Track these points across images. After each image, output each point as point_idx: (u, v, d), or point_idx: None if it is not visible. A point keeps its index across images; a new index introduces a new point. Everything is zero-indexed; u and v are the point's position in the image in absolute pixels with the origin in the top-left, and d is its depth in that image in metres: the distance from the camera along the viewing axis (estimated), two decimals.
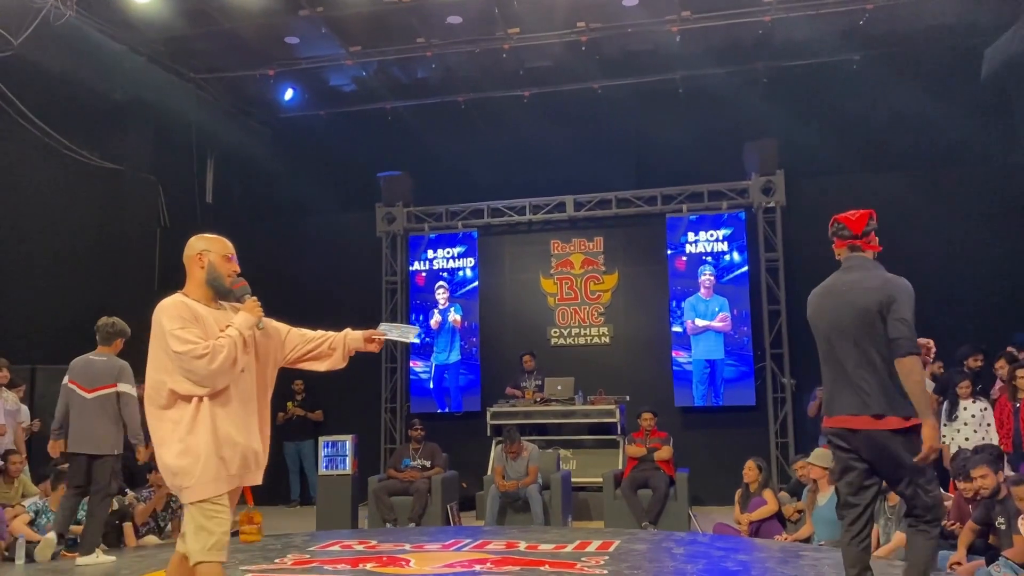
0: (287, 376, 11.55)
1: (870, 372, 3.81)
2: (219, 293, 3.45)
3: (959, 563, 5.31)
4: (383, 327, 3.88)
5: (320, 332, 3.69)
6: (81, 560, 6.09)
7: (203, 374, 3.15)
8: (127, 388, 6.35)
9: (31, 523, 6.56)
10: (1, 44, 9.16)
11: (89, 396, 6.26)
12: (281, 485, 11.33)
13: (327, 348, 3.67)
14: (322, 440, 9.18)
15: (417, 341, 3.37)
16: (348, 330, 3.70)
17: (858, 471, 3.90)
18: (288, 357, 3.61)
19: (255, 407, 3.36)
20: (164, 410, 3.20)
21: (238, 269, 3.52)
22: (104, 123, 11.30)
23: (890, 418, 3.76)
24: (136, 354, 9.35)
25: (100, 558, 6.17)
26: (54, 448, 6.59)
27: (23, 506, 7.00)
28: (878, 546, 5.86)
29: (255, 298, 3.46)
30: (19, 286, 10.06)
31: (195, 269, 3.48)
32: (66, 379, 6.41)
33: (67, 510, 6.38)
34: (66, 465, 7.34)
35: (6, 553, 6.34)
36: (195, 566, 3.10)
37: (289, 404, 11.24)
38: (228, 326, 3.30)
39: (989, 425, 7.39)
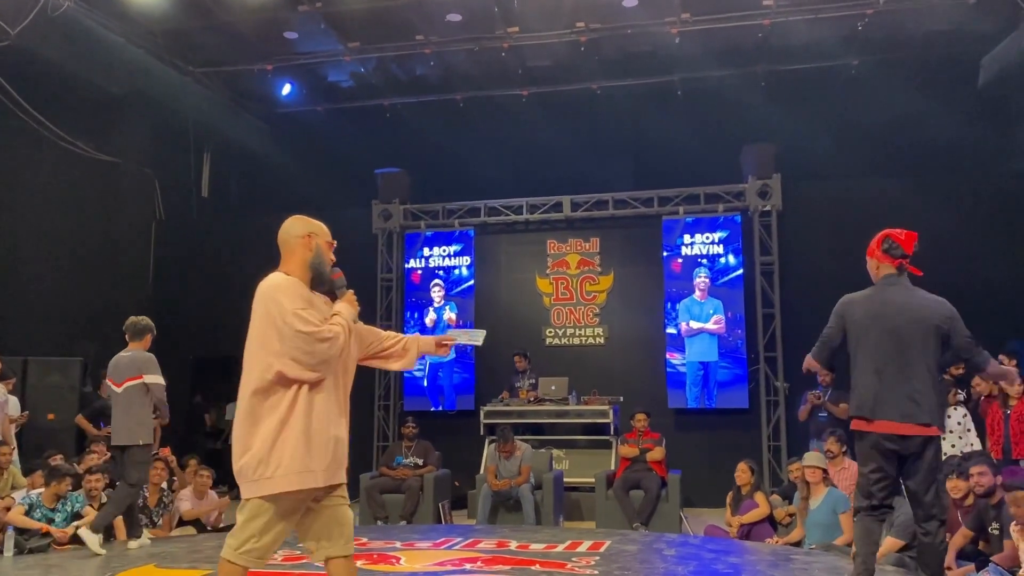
0: None
1: (922, 383, 4.04)
2: (318, 280, 3.28)
3: (949, 568, 5.31)
4: (452, 332, 3.84)
5: (391, 332, 3.59)
6: (83, 533, 6.23)
7: (322, 358, 3.03)
8: (153, 378, 6.51)
9: (25, 515, 6.53)
10: None
11: (119, 390, 6.46)
12: None
13: (400, 348, 3.51)
14: None
15: (481, 343, 3.48)
16: (418, 334, 3.62)
17: (892, 474, 4.13)
18: (363, 353, 3.44)
19: (344, 401, 3.23)
20: (263, 394, 3.03)
21: (334, 259, 3.39)
22: (101, 115, 11.27)
23: (934, 427, 4.05)
24: (123, 342, 9.30)
25: (96, 547, 6.17)
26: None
27: (12, 498, 6.98)
28: None
29: (352, 291, 3.34)
30: (13, 278, 10.03)
31: (301, 250, 3.31)
32: (107, 379, 6.70)
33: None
34: (57, 458, 7.34)
35: None
36: (222, 560, 2.98)
37: None
38: (335, 314, 3.18)
39: (969, 431, 7.47)
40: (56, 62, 9.87)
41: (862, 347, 4.18)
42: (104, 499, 6.93)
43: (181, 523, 7.54)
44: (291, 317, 3.03)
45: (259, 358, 3.07)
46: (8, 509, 6.73)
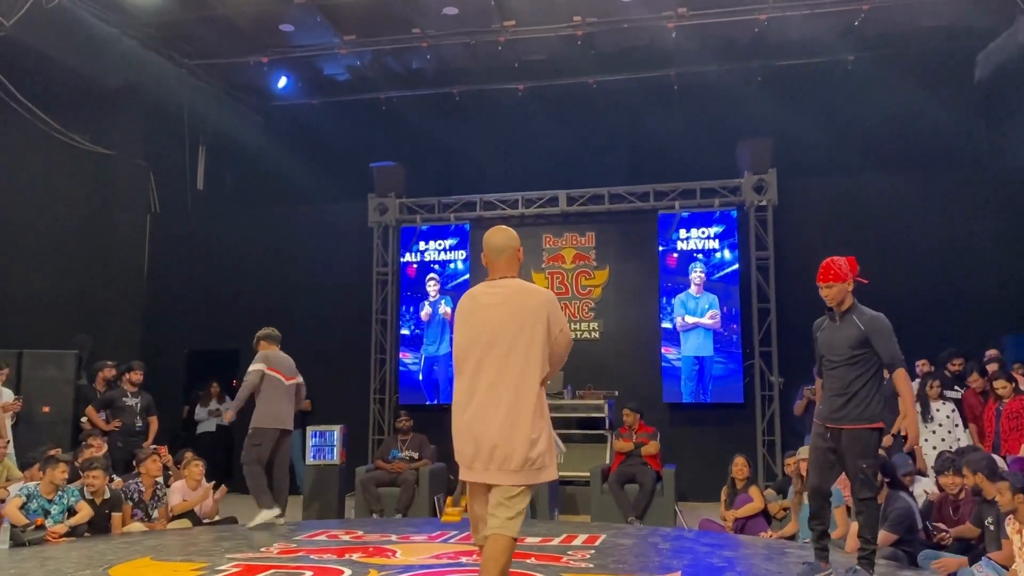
0: (299, 361, 11.51)
1: None
2: None
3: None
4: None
5: None
6: (262, 518, 7.09)
7: (562, 364, 3.70)
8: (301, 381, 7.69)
9: (22, 507, 6.53)
10: None
11: (287, 383, 7.52)
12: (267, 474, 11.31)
13: None
14: (310, 430, 9.17)
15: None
16: None
17: None
18: None
19: None
20: (540, 391, 3.54)
21: None
22: (95, 107, 11.25)
23: None
24: (118, 335, 9.26)
25: (261, 516, 7.08)
26: None
27: (7, 491, 6.96)
28: None
29: None
30: (7, 270, 10.01)
31: (515, 263, 3.76)
32: (262, 366, 7.41)
33: (260, 472, 7.31)
34: (55, 450, 7.33)
35: None
36: (507, 538, 3.42)
37: None
38: None
39: (957, 426, 7.53)
40: (50, 54, 9.85)
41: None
42: (107, 494, 6.93)
43: (177, 516, 7.54)
44: (566, 327, 3.66)
45: (541, 357, 3.53)
46: (3, 502, 6.72)
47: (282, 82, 11.97)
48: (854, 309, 4.78)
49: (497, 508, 3.45)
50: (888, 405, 5.25)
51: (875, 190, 10.55)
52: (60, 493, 6.69)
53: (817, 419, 4.89)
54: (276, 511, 7.17)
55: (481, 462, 3.49)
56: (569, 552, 5.78)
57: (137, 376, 8.97)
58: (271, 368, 7.40)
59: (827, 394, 4.82)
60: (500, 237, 3.73)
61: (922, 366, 8.42)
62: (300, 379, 7.69)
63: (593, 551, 5.86)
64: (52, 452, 7.07)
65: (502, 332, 3.53)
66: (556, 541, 6.27)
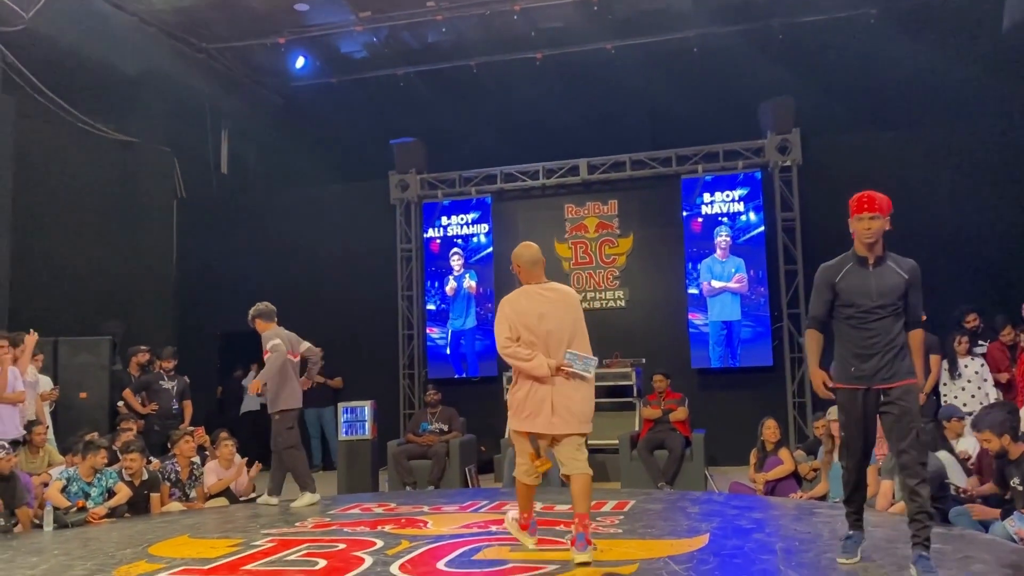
0: (328, 340, 11.56)
1: None
2: None
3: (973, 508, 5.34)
4: (568, 358, 4.61)
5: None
6: (261, 500, 7.31)
7: None
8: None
9: (63, 490, 6.71)
10: (12, 18, 9.20)
11: (295, 360, 7.39)
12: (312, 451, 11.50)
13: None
14: (341, 406, 9.29)
15: (591, 374, 4.68)
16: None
17: None
18: None
19: None
20: None
21: None
22: (117, 96, 11.35)
23: None
24: (151, 320, 9.35)
25: (306, 499, 7.10)
26: None
27: (50, 474, 7.16)
28: (892, 502, 5.88)
29: None
30: (39, 260, 10.19)
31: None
32: (277, 341, 7.27)
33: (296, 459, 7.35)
34: (92, 435, 7.50)
35: (35, 520, 6.49)
36: (586, 475, 4.62)
37: None
38: None
39: (986, 380, 7.45)
40: (70, 45, 9.94)
41: None
42: (145, 475, 7.11)
43: (215, 495, 7.70)
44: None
45: (585, 340, 4.70)
46: (46, 485, 6.91)
47: (300, 62, 11.97)
48: (888, 255, 4.26)
49: (577, 452, 4.64)
50: None
51: (901, 146, 10.35)
52: (99, 476, 6.86)
53: (852, 383, 4.21)
54: (318, 496, 7.26)
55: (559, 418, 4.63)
56: (598, 518, 5.83)
57: (168, 363, 9.14)
58: (288, 349, 7.32)
59: (860, 351, 4.18)
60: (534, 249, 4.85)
61: (972, 320, 8.24)
62: (306, 346, 7.56)
63: (622, 516, 5.91)
64: (90, 437, 7.24)
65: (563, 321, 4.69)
66: None
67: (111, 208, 11.46)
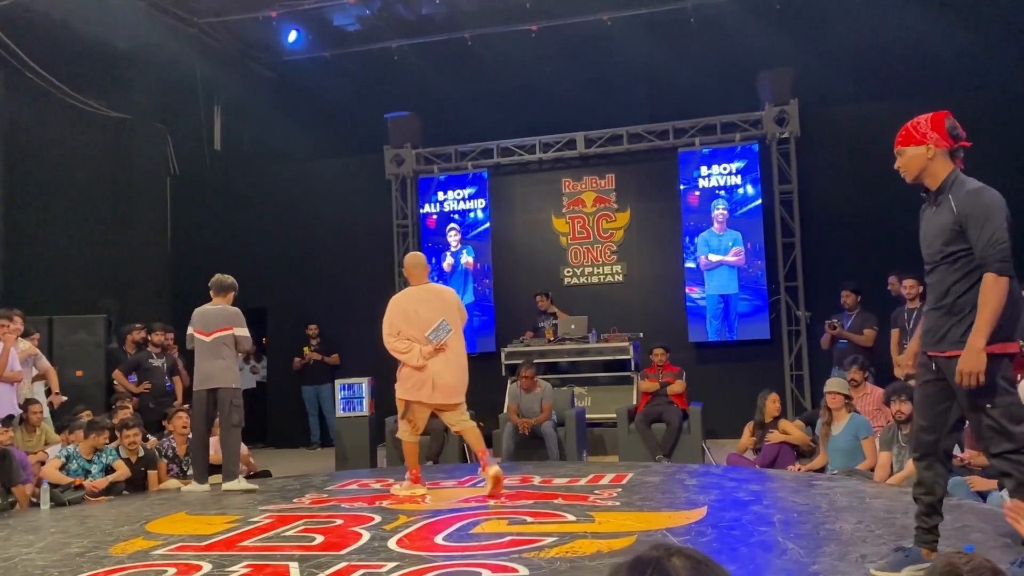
0: (302, 321, 11.56)
1: None
2: None
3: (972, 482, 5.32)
4: (430, 335, 5.93)
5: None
6: (226, 485, 6.72)
7: None
8: (242, 331, 7.02)
9: (62, 467, 6.71)
10: None
11: (208, 339, 6.89)
12: (301, 428, 11.50)
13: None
14: (339, 383, 9.27)
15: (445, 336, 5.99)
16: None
17: None
18: None
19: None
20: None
21: None
22: (109, 72, 11.23)
23: None
24: (146, 297, 9.31)
25: (242, 484, 6.72)
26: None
27: (46, 453, 7.14)
28: (891, 474, 5.88)
29: None
30: (33, 238, 10.13)
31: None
32: (190, 329, 7.02)
33: (198, 444, 7.01)
34: (86, 413, 7.48)
35: (33, 499, 6.48)
36: (471, 428, 6.17)
37: (305, 349, 11.34)
38: None
39: None
40: (60, 20, 9.81)
41: None
42: (141, 452, 7.10)
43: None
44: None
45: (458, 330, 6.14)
46: (43, 464, 6.90)
47: (292, 36, 11.84)
48: (952, 185, 3.52)
49: (461, 415, 6.17)
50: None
51: (900, 116, 10.17)
52: (98, 453, 6.85)
53: (921, 346, 3.69)
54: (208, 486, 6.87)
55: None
56: (596, 491, 5.83)
57: (159, 337, 9.08)
58: (194, 328, 6.98)
59: (925, 309, 3.65)
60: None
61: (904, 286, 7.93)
62: (236, 331, 6.95)
63: (620, 489, 5.90)
64: (93, 417, 7.22)
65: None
66: (583, 481, 6.32)
67: (104, 185, 11.38)
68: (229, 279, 7.20)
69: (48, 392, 8.17)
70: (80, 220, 10.87)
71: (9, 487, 6.35)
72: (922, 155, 3.59)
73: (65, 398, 8.19)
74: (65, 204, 10.67)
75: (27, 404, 7.42)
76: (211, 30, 11.65)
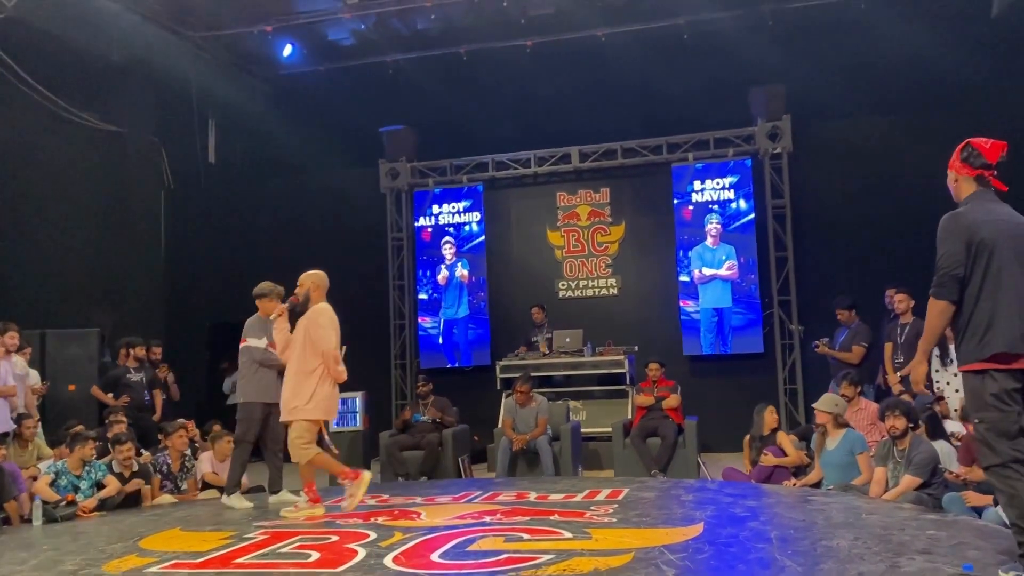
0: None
1: None
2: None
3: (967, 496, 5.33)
4: None
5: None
6: (224, 500, 6.71)
7: None
8: (254, 342, 6.81)
9: (52, 484, 6.65)
10: None
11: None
12: None
13: None
14: None
15: None
16: None
17: None
18: None
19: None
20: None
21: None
22: (103, 85, 11.22)
23: None
24: (140, 311, 9.34)
25: (239, 503, 6.60)
26: None
27: (39, 468, 7.09)
28: (886, 489, 5.88)
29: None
30: (27, 251, 10.09)
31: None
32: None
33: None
34: (79, 427, 7.44)
35: (23, 516, 6.43)
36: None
37: None
38: None
39: None
40: (54, 33, 9.81)
41: (986, 267, 3.69)
42: (136, 467, 7.06)
43: (206, 486, 7.66)
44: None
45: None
46: (35, 479, 6.85)
47: (287, 50, 11.84)
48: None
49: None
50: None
51: (891, 133, 10.35)
52: (88, 468, 6.80)
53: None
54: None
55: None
56: (592, 507, 5.82)
57: (140, 351, 9.04)
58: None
59: None
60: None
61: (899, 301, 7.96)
62: (249, 342, 6.87)
63: (616, 505, 5.89)
64: (77, 429, 7.18)
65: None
66: (579, 497, 6.31)
67: (98, 199, 11.34)
68: (259, 285, 7.06)
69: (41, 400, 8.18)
70: (74, 233, 10.83)
71: (1, 503, 6.29)
72: (951, 180, 4.04)
73: (47, 383, 8.19)
74: (59, 217, 10.63)
75: (20, 419, 7.38)
76: (206, 43, 11.66)
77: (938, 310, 3.73)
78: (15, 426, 7.32)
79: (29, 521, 6.32)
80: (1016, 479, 3.50)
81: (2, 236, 9.52)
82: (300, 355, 6.03)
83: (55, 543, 5.46)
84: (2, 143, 9.61)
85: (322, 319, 6.09)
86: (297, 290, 6.25)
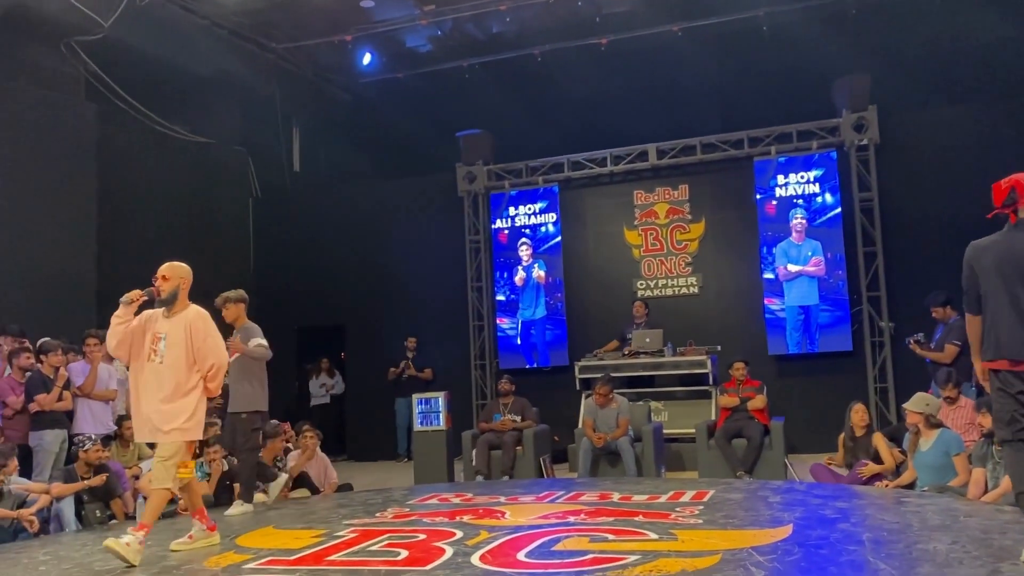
0: (378, 337, 11.62)
1: None
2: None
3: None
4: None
5: None
6: (229, 511, 6.69)
7: None
8: (251, 344, 7.11)
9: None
10: (92, 27, 9.52)
11: (231, 359, 6.82)
12: (381, 440, 11.67)
13: None
14: (415, 397, 9.39)
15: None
16: None
17: None
18: None
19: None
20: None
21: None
22: (192, 98, 11.66)
23: None
24: (218, 319, 9.56)
25: (244, 508, 6.72)
26: None
27: (140, 467, 7.41)
28: (986, 491, 5.66)
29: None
30: (122, 262, 10.52)
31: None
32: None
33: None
34: None
35: (127, 513, 6.73)
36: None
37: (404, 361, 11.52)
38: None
39: None
40: (146, 51, 10.25)
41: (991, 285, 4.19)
42: (225, 467, 7.32)
43: (295, 485, 7.87)
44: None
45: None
46: (137, 478, 7.16)
47: (367, 59, 12.11)
48: None
49: None
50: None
51: (981, 121, 9.92)
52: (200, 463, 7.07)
53: None
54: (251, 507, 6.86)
55: None
56: (678, 509, 5.77)
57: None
58: None
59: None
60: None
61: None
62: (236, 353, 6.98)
63: (702, 507, 5.83)
64: None
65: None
66: (664, 498, 6.26)
67: (190, 209, 11.78)
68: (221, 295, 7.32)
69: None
70: (168, 243, 11.22)
71: (108, 501, 6.61)
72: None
73: None
74: (153, 228, 11.07)
75: (120, 420, 7.72)
76: (288, 55, 12.02)
77: (967, 320, 4.36)
78: (116, 427, 7.67)
79: (133, 518, 6.61)
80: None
81: (101, 247, 9.97)
82: (172, 370, 5.22)
83: (158, 539, 5.69)
84: (100, 157, 10.07)
85: (209, 327, 5.45)
86: (160, 283, 5.47)
